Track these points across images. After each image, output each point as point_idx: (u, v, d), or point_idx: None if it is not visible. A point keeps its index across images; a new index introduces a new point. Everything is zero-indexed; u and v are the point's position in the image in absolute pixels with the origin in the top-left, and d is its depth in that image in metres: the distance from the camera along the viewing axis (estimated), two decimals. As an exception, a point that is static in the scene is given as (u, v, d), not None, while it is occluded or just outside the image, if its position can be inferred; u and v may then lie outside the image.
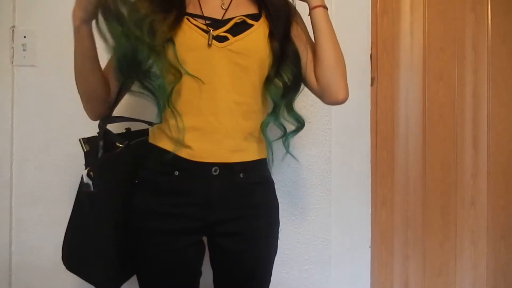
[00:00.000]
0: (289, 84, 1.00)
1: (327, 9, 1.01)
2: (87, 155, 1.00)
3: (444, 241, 1.58)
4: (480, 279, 1.59)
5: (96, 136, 1.00)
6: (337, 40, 1.03)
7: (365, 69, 1.46)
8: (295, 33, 1.02)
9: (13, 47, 1.39)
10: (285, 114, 1.02)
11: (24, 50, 1.38)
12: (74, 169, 1.40)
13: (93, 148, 0.99)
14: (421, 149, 1.57)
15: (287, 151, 1.06)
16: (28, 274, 1.41)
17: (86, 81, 0.94)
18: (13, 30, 1.39)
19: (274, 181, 1.08)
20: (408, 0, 1.56)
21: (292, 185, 1.43)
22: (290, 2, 1.02)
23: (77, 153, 1.39)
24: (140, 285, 1.00)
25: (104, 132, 0.99)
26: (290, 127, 1.05)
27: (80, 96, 0.97)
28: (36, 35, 1.39)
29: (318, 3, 0.99)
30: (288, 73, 0.99)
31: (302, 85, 1.04)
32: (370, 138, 1.48)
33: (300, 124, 1.05)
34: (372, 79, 1.51)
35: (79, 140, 0.99)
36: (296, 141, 1.14)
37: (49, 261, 1.41)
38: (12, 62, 1.39)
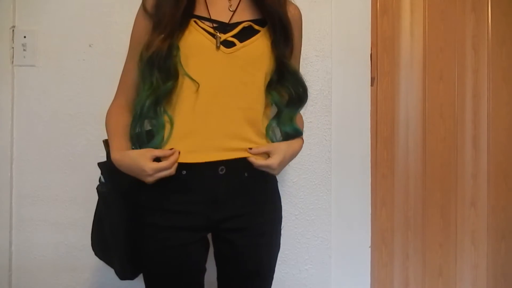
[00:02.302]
0: (293, 96, 1.03)
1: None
2: (108, 155, 1.02)
3: (444, 241, 1.58)
4: (480, 279, 1.59)
5: None
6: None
7: (365, 69, 1.46)
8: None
9: (13, 47, 1.39)
10: (286, 124, 1.05)
11: (24, 50, 1.39)
12: (74, 169, 1.40)
13: None
14: (421, 149, 1.57)
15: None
16: (28, 274, 1.41)
17: None
18: (13, 30, 1.39)
19: (275, 181, 1.09)
20: (408, 0, 1.56)
21: (292, 185, 1.43)
22: (289, 22, 1.01)
23: (77, 153, 1.40)
24: (145, 280, 1.02)
25: None
26: None
27: None
28: (36, 35, 1.39)
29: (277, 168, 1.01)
30: (291, 85, 1.02)
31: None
32: (370, 138, 1.48)
33: (299, 135, 1.09)
34: (372, 79, 1.51)
35: (103, 141, 1.04)
36: (296, 141, 1.14)
37: (49, 261, 1.41)
38: (12, 62, 1.39)
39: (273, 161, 0.98)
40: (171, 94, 0.96)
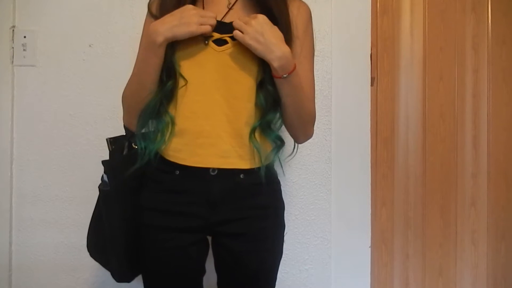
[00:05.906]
0: (274, 97, 0.94)
1: (291, 73, 0.91)
2: (111, 154, 1.02)
3: (444, 241, 1.58)
4: (480, 279, 1.59)
5: (122, 136, 1.03)
6: (300, 102, 0.96)
7: (365, 69, 1.46)
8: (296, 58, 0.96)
9: (13, 47, 1.39)
10: (267, 131, 0.96)
11: (24, 50, 1.39)
12: (74, 169, 1.40)
13: (118, 148, 1.02)
14: (421, 149, 1.57)
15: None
16: (28, 274, 1.41)
17: (145, 98, 0.93)
18: (13, 30, 1.39)
19: (275, 181, 1.07)
20: (408, 0, 1.56)
21: (292, 185, 1.43)
22: (292, 27, 0.97)
23: (77, 153, 1.40)
24: (144, 281, 1.01)
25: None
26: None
27: (131, 112, 0.97)
28: (36, 35, 1.39)
29: (278, 74, 0.90)
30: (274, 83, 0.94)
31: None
32: (370, 138, 1.48)
33: (280, 143, 0.99)
34: (372, 79, 1.51)
35: (106, 139, 1.02)
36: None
37: (49, 261, 1.41)
38: (12, 62, 1.39)
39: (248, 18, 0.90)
40: (172, 93, 0.95)
